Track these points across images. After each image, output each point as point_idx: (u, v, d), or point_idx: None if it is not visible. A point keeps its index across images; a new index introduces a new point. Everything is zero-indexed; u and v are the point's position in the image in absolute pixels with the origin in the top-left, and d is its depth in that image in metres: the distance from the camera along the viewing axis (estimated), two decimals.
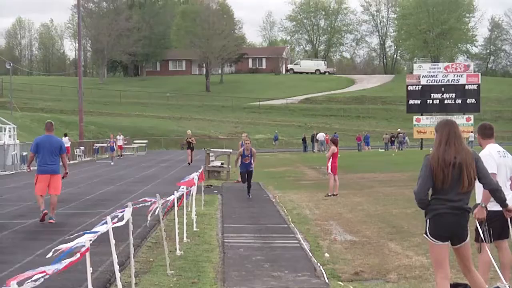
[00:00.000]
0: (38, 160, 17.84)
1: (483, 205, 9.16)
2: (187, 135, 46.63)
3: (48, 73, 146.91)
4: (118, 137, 62.27)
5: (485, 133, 9.85)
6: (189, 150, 45.51)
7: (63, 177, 18.16)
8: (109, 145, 56.51)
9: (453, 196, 7.37)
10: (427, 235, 7.47)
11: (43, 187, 17.63)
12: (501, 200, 7.84)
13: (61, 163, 17.91)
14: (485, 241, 9.39)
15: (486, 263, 9.47)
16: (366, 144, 78.10)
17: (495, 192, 7.76)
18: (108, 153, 58.07)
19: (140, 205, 10.54)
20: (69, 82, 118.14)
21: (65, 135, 54.63)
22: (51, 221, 17.13)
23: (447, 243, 7.43)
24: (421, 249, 13.40)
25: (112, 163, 49.25)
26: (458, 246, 7.48)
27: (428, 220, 7.46)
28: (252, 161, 24.89)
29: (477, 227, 9.24)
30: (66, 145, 51.74)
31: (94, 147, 60.88)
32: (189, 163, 43.93)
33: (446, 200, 7.37)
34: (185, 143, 46.86)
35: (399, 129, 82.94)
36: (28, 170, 19.53)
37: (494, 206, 8.64)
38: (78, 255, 6.63)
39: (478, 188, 8.72)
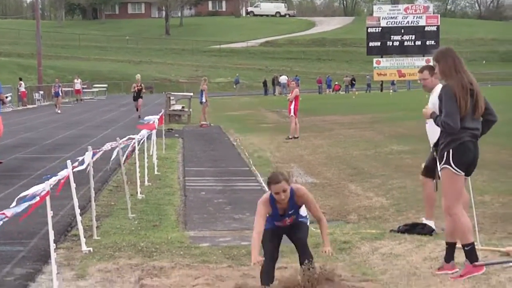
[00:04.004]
0: None
1: None
2: (136, 81, 36.41)
3: (5, 16, 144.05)
4: (75, 81, 61.60)
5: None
6: (136, 102, 36.23)
7: (3, 103, 19.43)
8: (53, 90, 48.74)
9: (472, 124, 7.35)
10: (451, 166, 7.35)
11: None
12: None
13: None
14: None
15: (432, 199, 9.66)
16: (328, 87, 78.20)
17: (493, 124, 7.72)
18: (53, 100, 50.50)
19: (101, 152, 10.49)
20: (26, 25, 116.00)
21: (20, 79, 54.47)
22: None
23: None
24: (381, 190, 13.53)
25: (59, 111, 43.44)
26: (466, 177, 7.55)
27: (451, 150, 7.35)
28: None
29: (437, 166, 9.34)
30: (22, 90, 51.67)
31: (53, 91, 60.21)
32: (139, 116, 32.37)
33: (466, 128, 7.32)
34: (135, 90, 35.82)
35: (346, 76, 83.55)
36: None
37: None
38: (38, 198, 6.59)
39: (430, 128, 8.79)
